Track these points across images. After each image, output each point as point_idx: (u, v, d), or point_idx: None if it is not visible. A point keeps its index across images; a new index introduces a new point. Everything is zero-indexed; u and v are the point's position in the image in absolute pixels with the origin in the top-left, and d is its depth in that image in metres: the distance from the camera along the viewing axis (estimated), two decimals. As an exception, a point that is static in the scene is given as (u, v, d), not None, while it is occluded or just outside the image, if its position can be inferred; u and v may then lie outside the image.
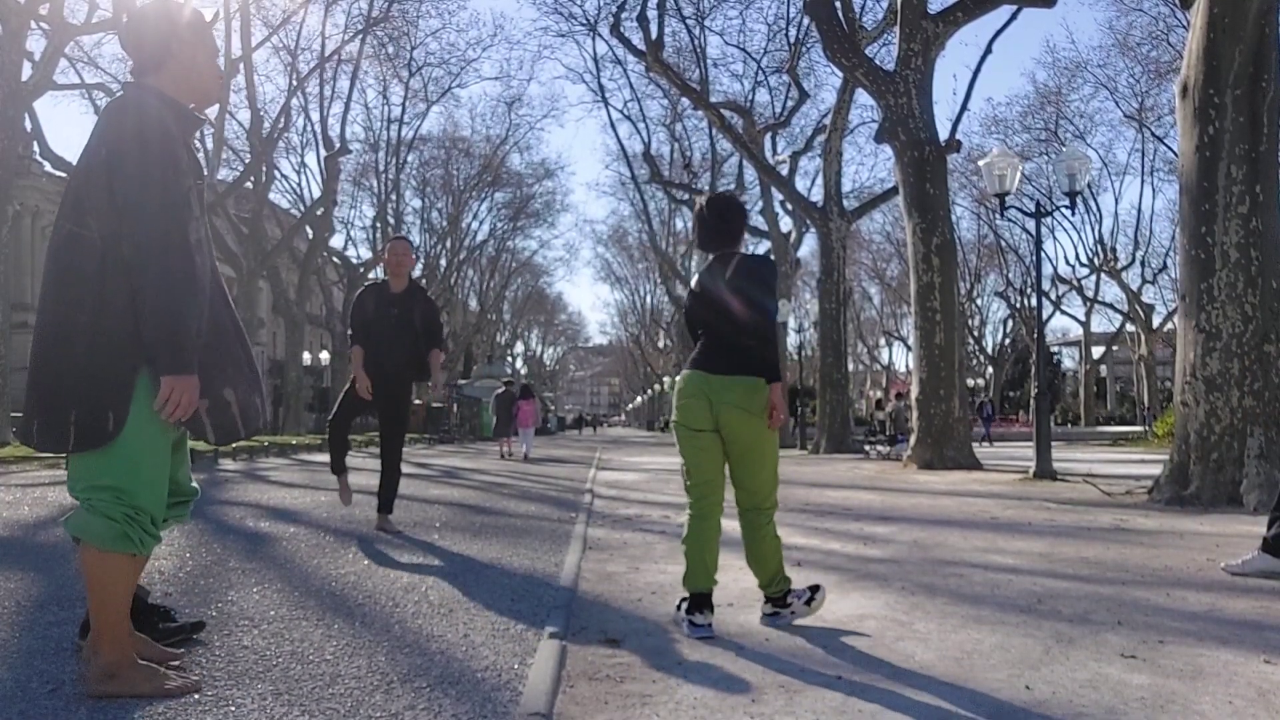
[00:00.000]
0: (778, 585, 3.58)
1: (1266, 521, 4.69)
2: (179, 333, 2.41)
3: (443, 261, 42.54)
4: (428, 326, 6.19)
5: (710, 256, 3.65)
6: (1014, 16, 16.92)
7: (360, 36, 29.53)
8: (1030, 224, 23.07)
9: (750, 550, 3.60)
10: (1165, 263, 38.43)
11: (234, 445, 14.34)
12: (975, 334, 49.74)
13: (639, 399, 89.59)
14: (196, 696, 2.47)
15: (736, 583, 4.36)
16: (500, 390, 21.68)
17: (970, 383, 42.98)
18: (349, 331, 6.49)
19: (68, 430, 2.41)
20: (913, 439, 14.54)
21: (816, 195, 25.63)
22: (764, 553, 3.57)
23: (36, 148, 23.17)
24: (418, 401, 44.20)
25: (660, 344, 62.20)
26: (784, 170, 27.39)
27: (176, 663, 2.72)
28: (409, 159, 38.54)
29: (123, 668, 2.48)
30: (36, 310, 2.54)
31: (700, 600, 3.41)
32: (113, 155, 2.43)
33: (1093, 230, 41.00)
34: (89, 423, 2.41)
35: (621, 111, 35.01)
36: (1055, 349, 57.42)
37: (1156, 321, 39.44)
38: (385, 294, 6.20)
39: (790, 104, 29.39)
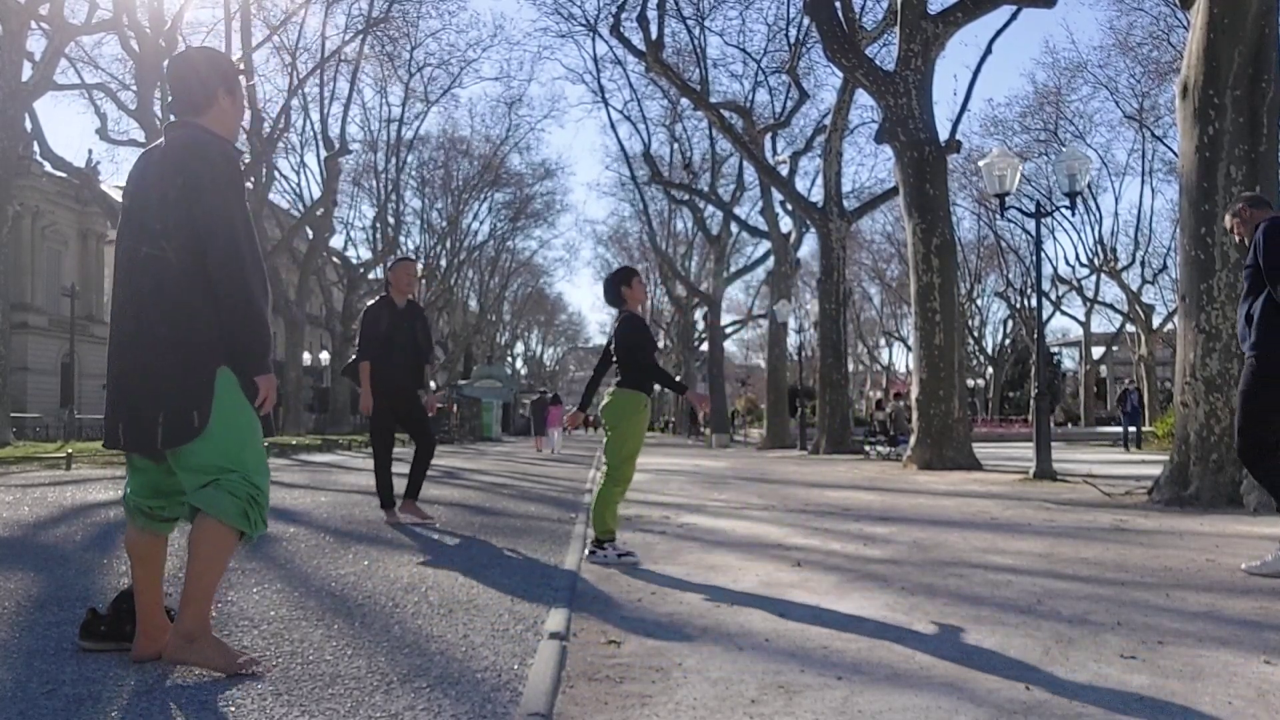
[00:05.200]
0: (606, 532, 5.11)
1: None
2: (267, 337, 2.73)
3: (443, 262, 42.53)
4: (427, 341, 6.83)
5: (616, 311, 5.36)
6: (1014, 16, 16.95)
7: (360, 37, 29.56)
8: (1030, 224, 23.04)
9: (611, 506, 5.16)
10: (1165, 263, 38.37)
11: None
12: (975, 334, 49.73)
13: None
14: (201, 697, 2.47)
15: (736, 583, 4.37)
16: (535, 398, 26.18)
17: (970, 383, 42.99)
18: (356, 344, 6.78)
19: (155, 430, 2.65)
20: (912, 439, 14.55)
21: (816, 195, 25.65)
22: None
23: (36, 148, 23.16)
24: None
25: (660, 344, 62.14)
26: (784, 170, 27.44)
27: None
28: (409, 159, 38.60)
29: (200, 636, 2.65)
30: (112, 325, 2.78)
31: (610, 538, 5.13)
32: (194, 183, 2.65)
33: (1093, 230, 41.03)
34: (176, 422, 2.64)
35: (621, 112, 34.97)
36: (1055, 349, 57.39)
37: (1156, 322, 39.35)
38: (395, 310, 6.65)
39: (790, 104, 29.44)
